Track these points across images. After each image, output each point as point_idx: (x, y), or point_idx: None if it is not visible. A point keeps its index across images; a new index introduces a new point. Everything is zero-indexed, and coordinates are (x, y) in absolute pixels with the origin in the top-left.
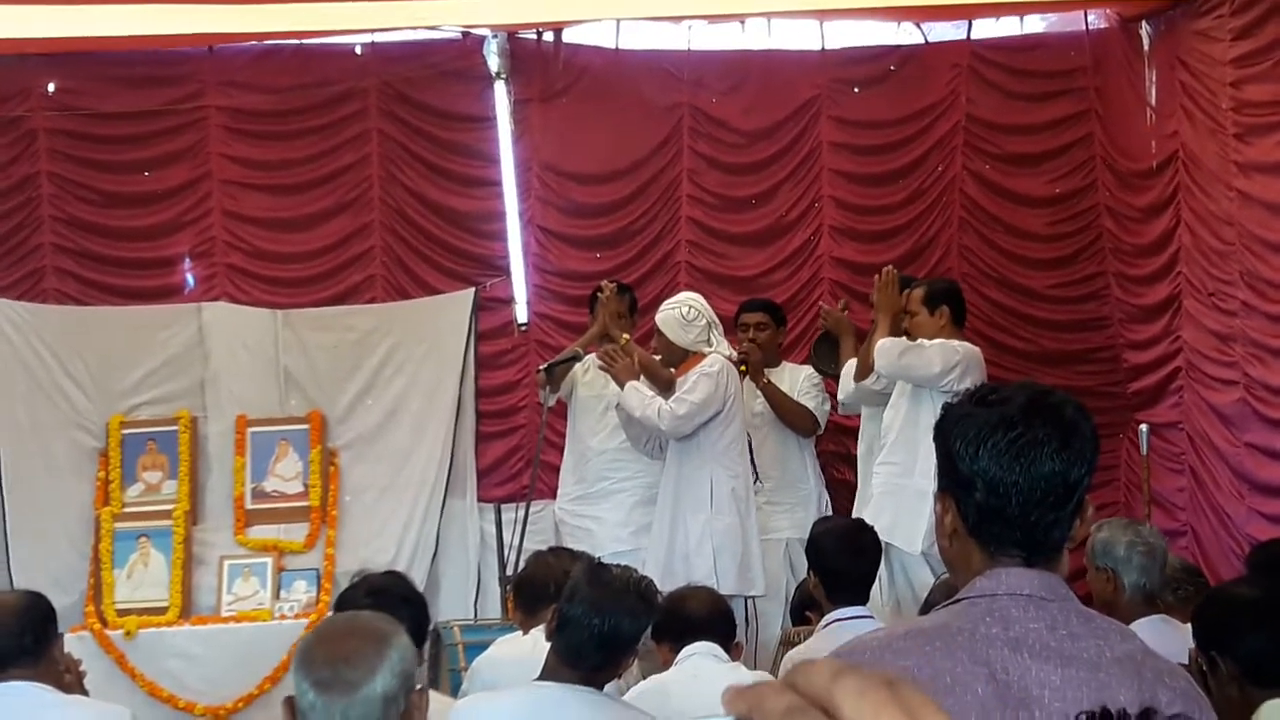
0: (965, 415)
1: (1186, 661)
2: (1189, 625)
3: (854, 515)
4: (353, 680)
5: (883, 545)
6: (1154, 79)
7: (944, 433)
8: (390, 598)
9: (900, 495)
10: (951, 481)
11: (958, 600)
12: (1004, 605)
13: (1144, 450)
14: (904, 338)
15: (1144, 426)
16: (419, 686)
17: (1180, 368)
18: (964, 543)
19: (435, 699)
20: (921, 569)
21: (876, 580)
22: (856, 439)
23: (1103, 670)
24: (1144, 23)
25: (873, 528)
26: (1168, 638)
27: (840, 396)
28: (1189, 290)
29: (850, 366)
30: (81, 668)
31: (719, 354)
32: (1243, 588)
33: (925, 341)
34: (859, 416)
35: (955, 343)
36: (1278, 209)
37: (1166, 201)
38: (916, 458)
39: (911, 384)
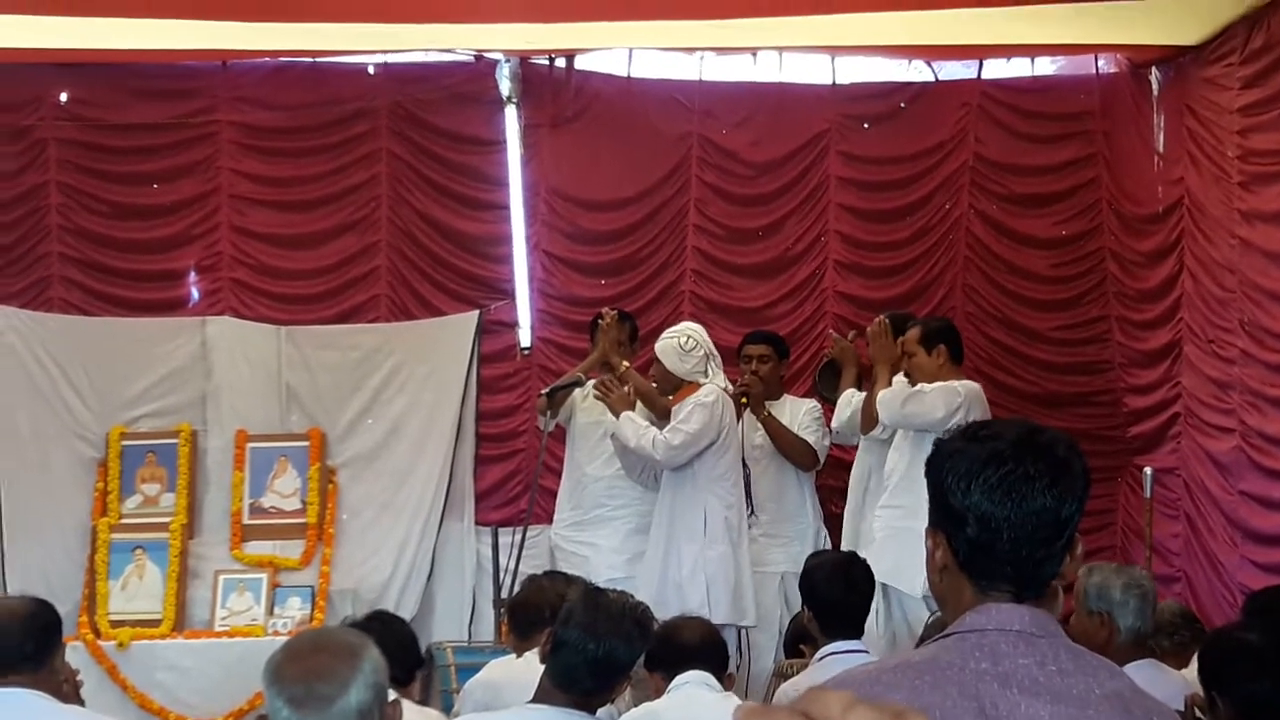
0: (957, 451)
1: (1178, 708)
2: (1181, 671)
3: (844, 546)
4: (327, 695)
5: (880, 582)
6: (1162, 125)
7: (936, 468)
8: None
9: (903, 538)
10: (943, 517)
11: (948, 635)
12: (993, 640)
13: (1148, 493)
14: (904, 379)
15: (1148, 470)
16: (392, 698)
17: (1179, 414)
18: (955, 578)
19: (416, 711)
20: (920, 609)
21: (873, 614)
22: None
23: (1091, 707)
24: (1154, 69)
25: (864, 560)
26: (1157, 682)
27: (834, 425)
28: (1189, 336)
29: (847, 396)
30: (79, 678)
31: (715, 385)
32: (1248, 633)
33: (926, 386)
34: (855, 448)
35: (956, 383)
36: (1279, 258)
37: (1170, 247)
38: (920, 501)
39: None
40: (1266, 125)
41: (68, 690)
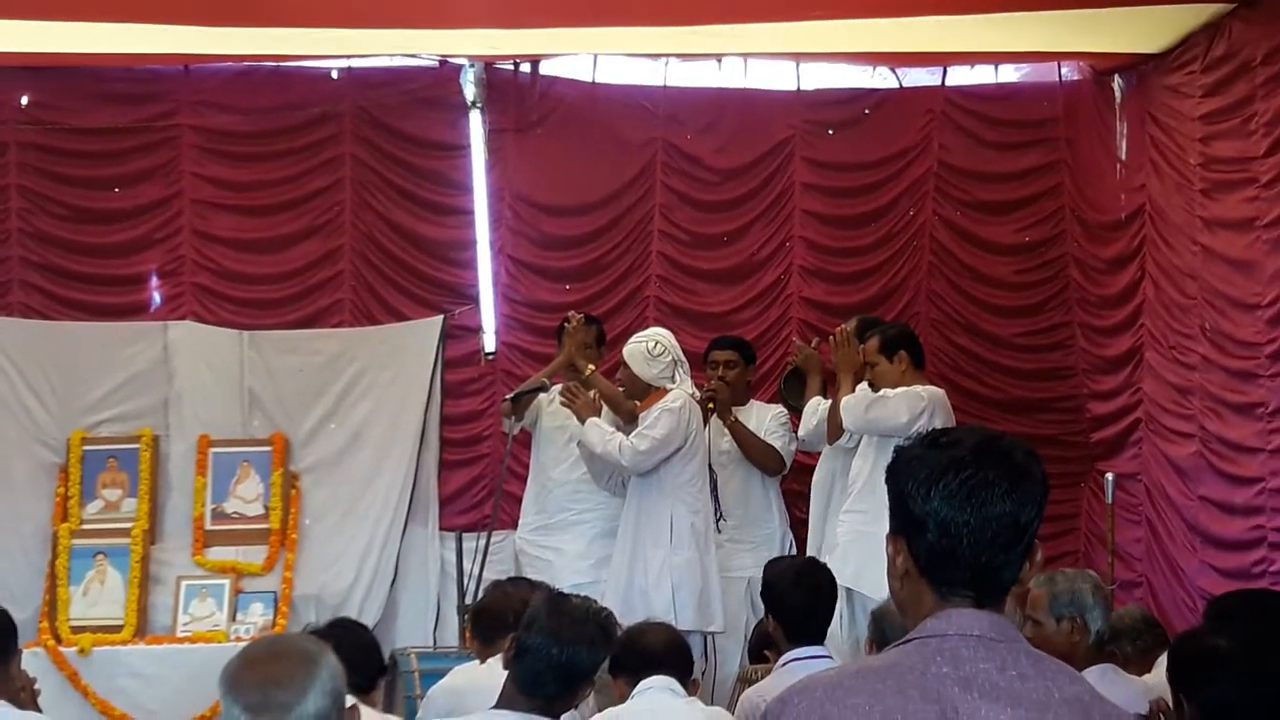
0: (916, 457)
1: (1141, 711)
2: (1142, 677)
3: (809, 552)
4: (285, 702)
5: (844, 586)
6: (1124, 132)
7: (896, 474)
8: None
9: (866, 543)
10: (903, 523)
11: (908, 640)
12: (954, 645)
13: (1109, 499)
14: (868, 388)
15: (1110, 476)
16: (350, 704)
17: (1140, 419)
18: (915, 584)
19: (377, 717)
20: None
21: (836, 618)
22: None
23: (1051, 711)
24: (1116, 76)
25: (826, 566)
26: (1117, 687)
27: (800, 433)
28: (1151, 343)
29: (813, 404)
30: (36, 685)
31: (682, 390)
32: (1217, 637)
33: (889, 392)
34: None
35: (919, 388)
36: (1240, 265)
37: (1132, 254)
38: (883, 506)
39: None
40: (1227, 133)
41: (24, 698)
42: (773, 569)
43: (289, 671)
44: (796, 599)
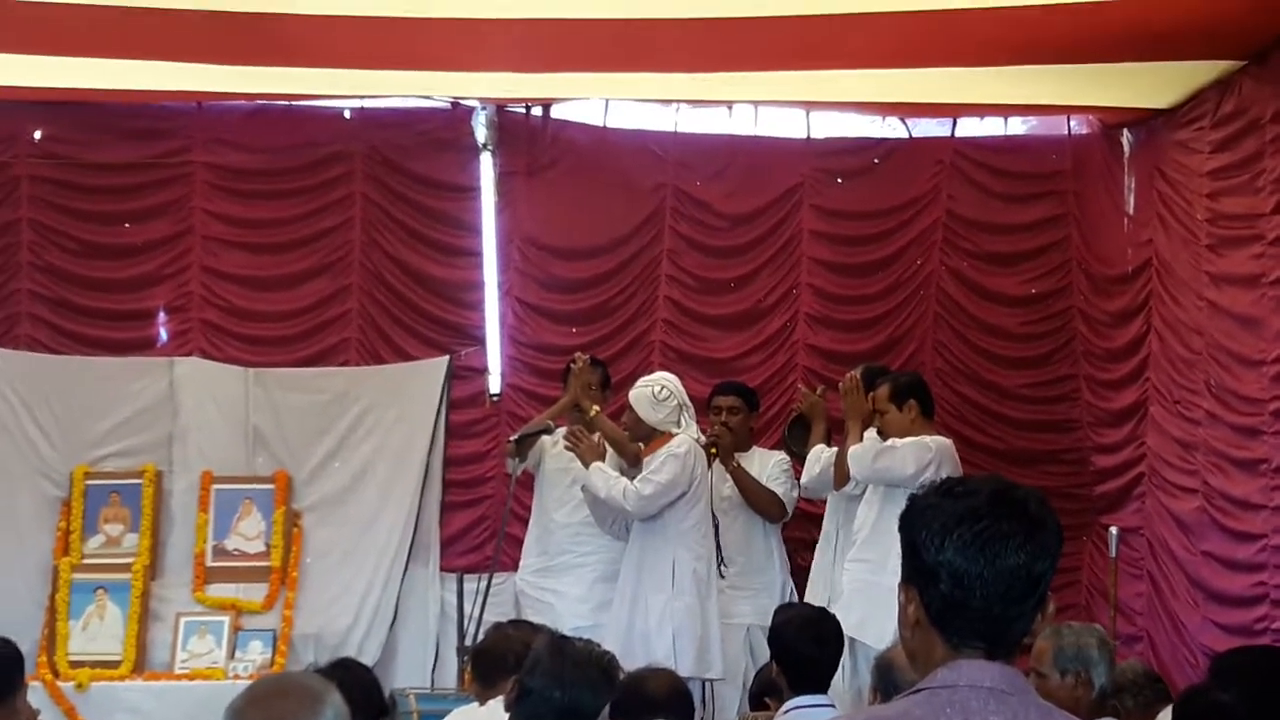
0: (931, 506)
1: None
2: None
3: (806, 597)
4: None
5: (847, 636)
6: (1133, 186)
7: (909, 523)
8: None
9: (871, 592)
10: (915, 572)
11: (918, 690)
12: (964, 697)
13: (1113, 553)
14: (876, 435)
15: (1114, 529)
16: None
17: (1144, 473)
18: (926, 633)
19: None
20: None
21: (840, 669)
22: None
23: None
24: (1125, 131)
25: (834, 616)
26: None
27: (804, 480)
28: (1155, 397)
29: (816, 451)
30: (40, 718)
31: (687, 435)
32: (1222, 693)
33: (897, 441)
34: (824, 503)
35: (927, 438)
36: (1246, 321)
37: (1138, 308)
38: (889, 555)
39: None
40: (1235, 189)
41: None
42: (781, 616)
43: (294, 710)
44: (803, 647)
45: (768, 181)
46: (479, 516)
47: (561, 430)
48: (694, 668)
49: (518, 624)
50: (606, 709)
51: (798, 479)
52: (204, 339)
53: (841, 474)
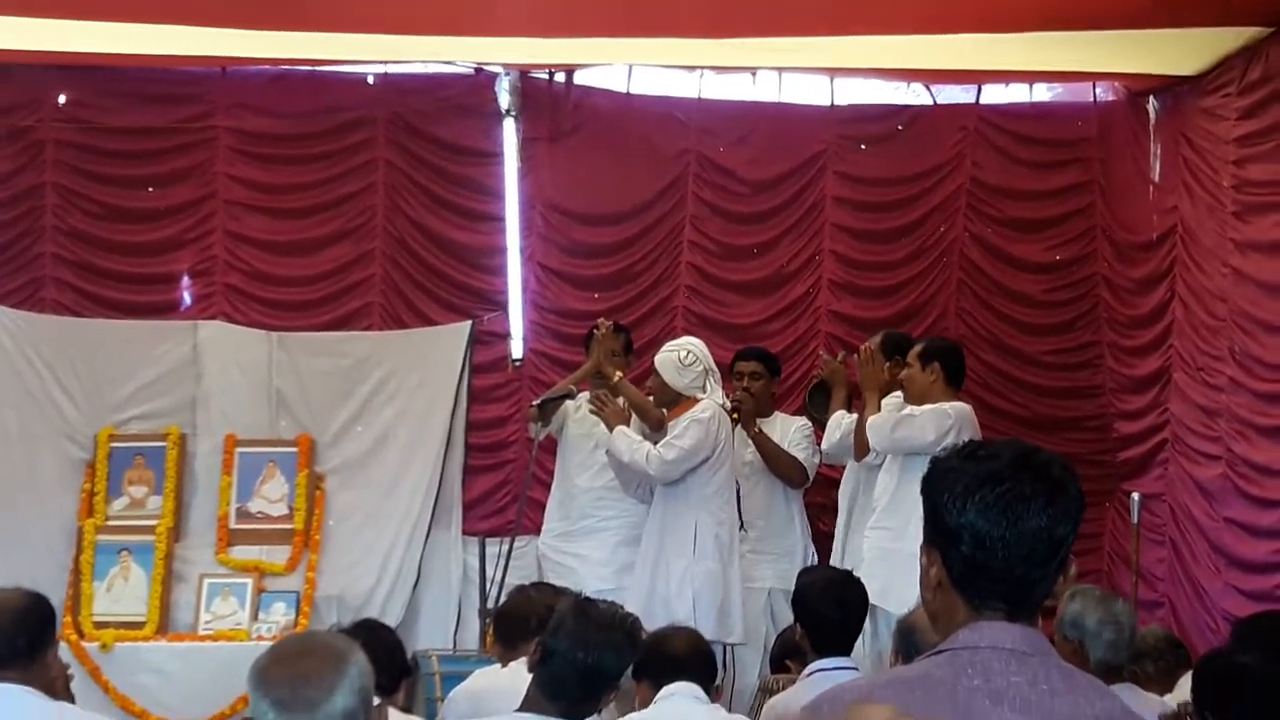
0: (953, 469)
1: None
2: (1163, 696)
3: (832, 563)
4: (313, 699)
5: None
6: (1158, 153)
7: (931, 486)
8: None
9: (892, 559)
10: (937, 534)
11: (940, 651)
12: (985, 658)
13: (1135, 519)
14: (897, 398)
15: (1136, 495)
16: (376, 702)
17: (1167, 440)
18: (948, 595)
19: (401, 718)
20: None
21: (861, 634)
22: None
23: None
24: (1151, 97)
25: (858, 580)
26: (1134, 706)
27: (823, 446)
28: (1179, 364)
29: (837, 417)
30: (70, 673)
31: (712, 401)
32: (1244, 656)
33: (915, 409)
34: (844, 467)
35: (946, 405)
36: (1271, 288)
37: (1163, 275)
38: (909, 522)
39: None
40: (1262, 156)
41: (59, 687)
42: (805, 579)
43: (318, 669)
44: (827, 610)
45: (791, 148)
46: (501, 481)
47: (584, 395)
48: (715, 631)
49: (540, 587)
50: (629, 670)
51: (819, 445)
52: (227, 303)
53: (861, 445)
